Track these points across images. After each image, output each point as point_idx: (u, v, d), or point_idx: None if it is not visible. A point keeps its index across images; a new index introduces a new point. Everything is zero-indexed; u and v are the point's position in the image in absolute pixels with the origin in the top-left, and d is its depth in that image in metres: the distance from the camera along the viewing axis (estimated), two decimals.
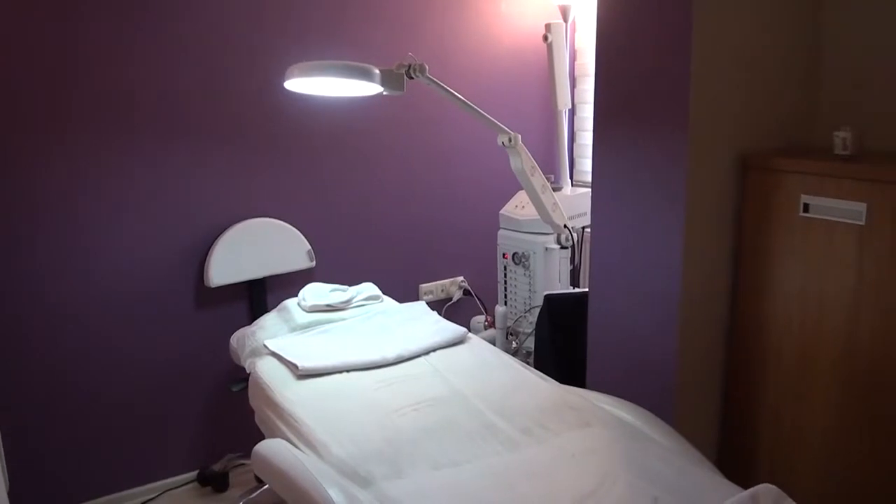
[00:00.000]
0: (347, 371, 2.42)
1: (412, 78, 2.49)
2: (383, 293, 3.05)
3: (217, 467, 3.10)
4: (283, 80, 2.40)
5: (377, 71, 2.40)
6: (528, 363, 2.98)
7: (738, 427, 2.34)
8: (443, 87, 2.57)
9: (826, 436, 2.11)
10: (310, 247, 3.17)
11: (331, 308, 2.86)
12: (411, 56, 2.49)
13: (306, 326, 2.74)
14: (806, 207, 2.08)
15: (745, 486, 1.61)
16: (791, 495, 1.62)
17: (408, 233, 3.51)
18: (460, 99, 2.63)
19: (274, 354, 2.53)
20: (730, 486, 1.71)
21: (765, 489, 1.58)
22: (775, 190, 2.15)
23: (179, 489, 3.10)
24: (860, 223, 1.96)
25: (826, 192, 2.03)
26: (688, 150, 2.11)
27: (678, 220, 2.16)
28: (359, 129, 3.28)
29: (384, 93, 2.49)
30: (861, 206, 1.96)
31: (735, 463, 2.35)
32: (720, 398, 2.38)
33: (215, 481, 3.07)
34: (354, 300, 2.92)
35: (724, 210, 2.25)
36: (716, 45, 2.12)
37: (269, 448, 1.94)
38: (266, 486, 2.71)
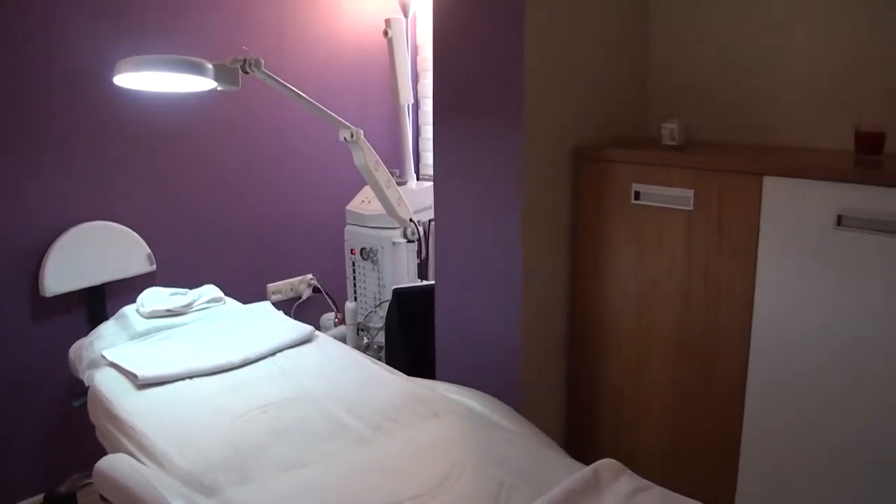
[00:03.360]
0: (191, 377, 2.33)
1: (248, 73, 2.43)
2: (230, 295, 2.96)
3: (64, 489, 2.91)
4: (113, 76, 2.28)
5: (210, 65, 2.32)
6: (379, 358, 2.98)
7: (583, 408, 2.43)
8: (279, 81, 2.52)
9: (663, 412, 2.23)
10: (149, 250, 3.03)
11: (171, 313, 2.74)
12: (246, 50, 2.42)
13: (146, 333, 2.62)
14: (637, 195, 2.18)
15: (590, 464, 1.66)
16: (632, 470, 1.69)
17: (253, 232, 3.42)
18: (298, 94, 2.58)
19: (113, 365, 2.40)
20: (575, 464, 1.77)
21: (605, 463, 1.64)
22: (608, 179, 2.24)
23: None
24: (688, 209, 2.08)
25: (655, 180, 2.13)
26: (523, 142, 2.16)
27: (516, 212, 2.21)
28: (199, 126, 3.16)
29: (219, 88, 2.41)
30: (688, 193, 2.07)
31: (581, 443, 2.44)
32: (565, 381, 2.46)
33: None
34: (196, 303, 2.82)
35: (561, 200, 2.32)
36: (548, 41, 2.18)
37: (111, 464, 1.84)
38: None
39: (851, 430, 1.86)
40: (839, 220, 1.81)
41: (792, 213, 1.89)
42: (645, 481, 1.63)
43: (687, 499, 1.58)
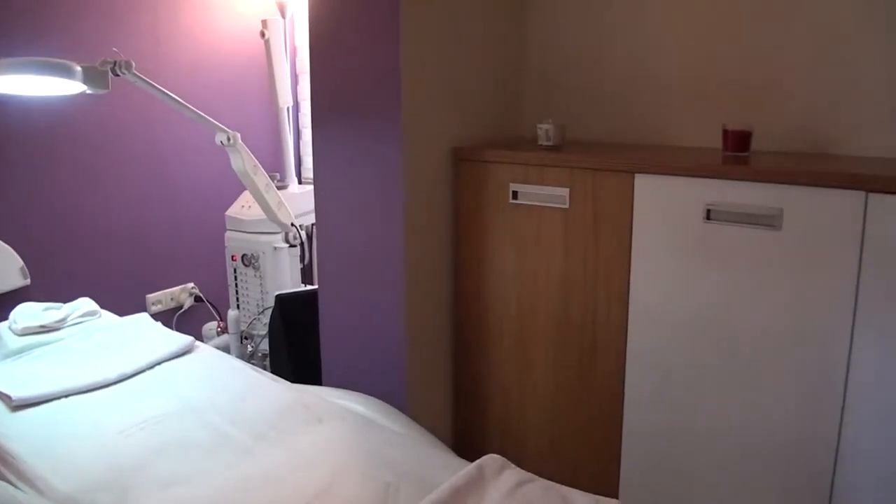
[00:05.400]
0: (67, 396, 2.22)
1: (119, 75, 2.34)
2: (109, 307, 2.84)
3: None
4: None
5: (78, 68, 2.22)
6: (264, 366, 2.93)
7: (470, 406, 2.45)
8: (151, 84, 2.44)
9: (548, 405, 2.27)
10: (23, 263, 2.87)
11: (45, 329, 2.61)
12: (116, 52, 2.33)
13: (20, 351, 2.48)
14: (515, 195, 2.21)
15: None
16: (520, 465, 1.72)
17: (130, 241, 3.29)
18: (171, 97, 2.51)
19: None
20: (460, 462, 1.79)
21: (489, 459, 1.66)
22: (487, 180, 2.27)
23: None
24: (564, 207, 2.12)
25: (532, 179, 2.17)
26: (402, 144, 2.16)
27: (397, 213, 2.21)
28: (73, 132, 3.01)
29: (88, 91, 2.32)
30: (564, 192, 2.12)
31: (470, 440, 2.46)
32: (451, 380, 2.48)
33: None
34: (70, 318, 2.69)
35: (442, 201, 2.34)
36: (425, 43, 2.19)
37: None
38: None
39: (724, 415, 1.94)
40: (708, 214, 1.89)
41: (663, 208, 1.96)
42: (528, 474, 1.66)
43: (567, 488, 1.62)
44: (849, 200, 1.70)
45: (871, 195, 1.67)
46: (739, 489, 1.95)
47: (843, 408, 1.76)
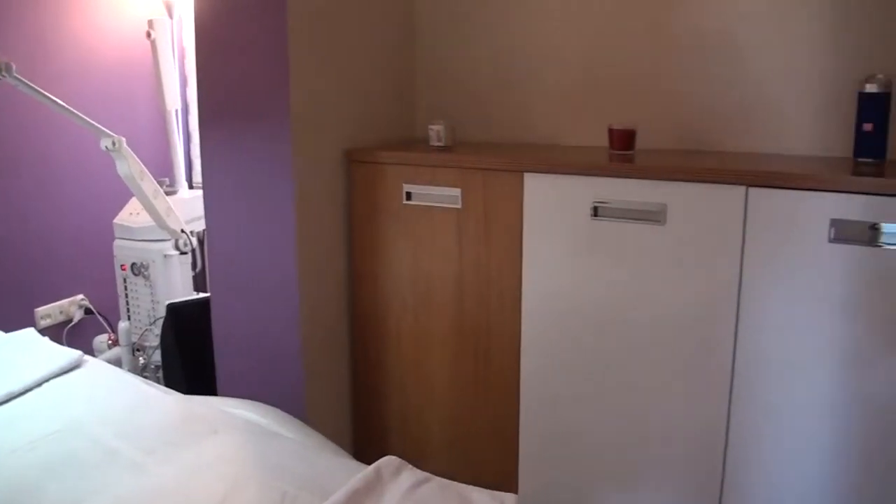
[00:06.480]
0: None
1: None
2: None
3: None
4: None
5: None
6: (157, 378, 2.84)
7: (369, 409, 2.44)
8: (33, 87, 2.34)
9: (446, 404, 2.29)
10: None
11: None
12: None
13: None
14: (409, 196, 2.21)
15: None
16: (420, 465, 1.72)
17: (15, 254, 3.13)
18: (54, 100, 2.41)
19: None
20: (359, 466, 1.77)
21: (386, 461, 1.66)
22: (380, 181, 2.26)
23: None
24: (457, 207, 2.14)
25: (424, 180, 2.18)
26: (293, 146, 2.13)
27: (290, 217, 2.18)
28: None
29: None
30: (456, 192, 2.13)
31: (371, 445, 2.45)
32: (350, 383, 2.46)
33: None
34: None
35: (336, 203, 2.32)
36: (314, 44, 2.17)
37: None
38: None
39: (619, 407, 2.00)
40: (595, 211, 1.94)
41: (552, 206, 2.00)
42: (425, 474, 1.66)
43: (465, 485, 1.63)
44: (730, 194, 1.77)
45: (752, 189, 1.74)
46: (636, 478, 2.01)
47: (730, 394, 1.84)
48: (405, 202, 2.22)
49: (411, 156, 2.22)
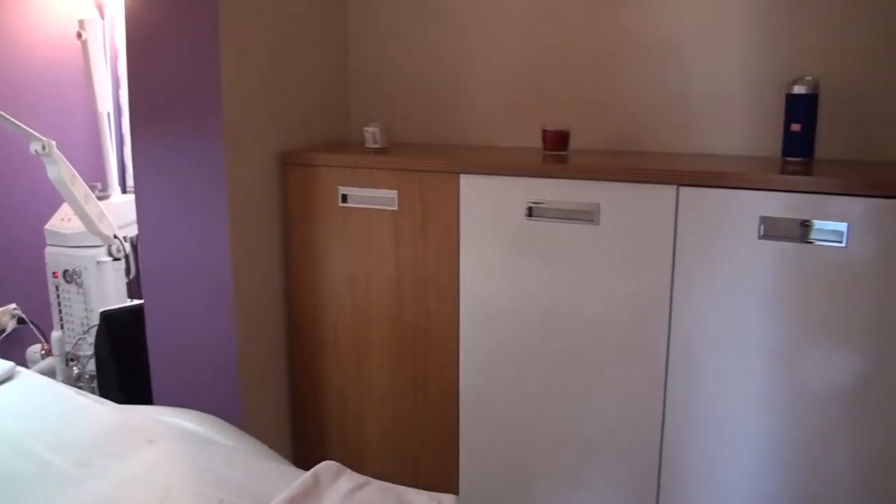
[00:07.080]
0: None
1: None
2: None
3: None
4: None
5: None
6: (92, 388, 2.78)
7: (308, 414, 2.43)
8: None
9: (385, 407, 2.28)
10: None
11: None
12: None
13: None
14: (344, 198, 2.20)
15: None
16: (361, 469, 1.72)
17: None
18: None
19: None
20: (297, 471, 1.76)
21: (324, 466, 1.65)
22: (314, 184, 2.25)
23: None
24: (393, 209, 2.14)
25: (360, 182, 2.17)
26: (225, 151, 2.11)
27: (223, 220, 2.15)
28: None
29: None
30: (392, 193, 2.13)
31: (310, 450, 2.43)
32: (288, 389, 2.44)
33: None
34: None
35: (271, 206, 2.30)
36: (247, 46, 2.14)
37: None
38: None
39: (557, 405, 2.02)
40: (530, 212, 1.95)
41: (488, 207, 2.01)
42: (365, 478, 1.66)
43: (404, 488, 1.63)
44: (662, 193, 1.80)
45: (682, 188, 1.78)
46: (576, 477, 2.03)
47: (664, 390, 1.87)
48: (341, 204, 2.21)
49: (346, 158, 2.21)
